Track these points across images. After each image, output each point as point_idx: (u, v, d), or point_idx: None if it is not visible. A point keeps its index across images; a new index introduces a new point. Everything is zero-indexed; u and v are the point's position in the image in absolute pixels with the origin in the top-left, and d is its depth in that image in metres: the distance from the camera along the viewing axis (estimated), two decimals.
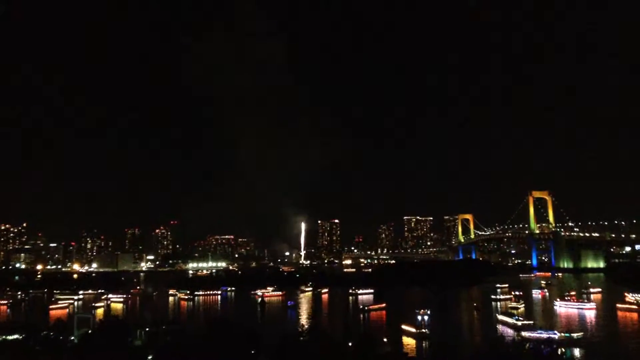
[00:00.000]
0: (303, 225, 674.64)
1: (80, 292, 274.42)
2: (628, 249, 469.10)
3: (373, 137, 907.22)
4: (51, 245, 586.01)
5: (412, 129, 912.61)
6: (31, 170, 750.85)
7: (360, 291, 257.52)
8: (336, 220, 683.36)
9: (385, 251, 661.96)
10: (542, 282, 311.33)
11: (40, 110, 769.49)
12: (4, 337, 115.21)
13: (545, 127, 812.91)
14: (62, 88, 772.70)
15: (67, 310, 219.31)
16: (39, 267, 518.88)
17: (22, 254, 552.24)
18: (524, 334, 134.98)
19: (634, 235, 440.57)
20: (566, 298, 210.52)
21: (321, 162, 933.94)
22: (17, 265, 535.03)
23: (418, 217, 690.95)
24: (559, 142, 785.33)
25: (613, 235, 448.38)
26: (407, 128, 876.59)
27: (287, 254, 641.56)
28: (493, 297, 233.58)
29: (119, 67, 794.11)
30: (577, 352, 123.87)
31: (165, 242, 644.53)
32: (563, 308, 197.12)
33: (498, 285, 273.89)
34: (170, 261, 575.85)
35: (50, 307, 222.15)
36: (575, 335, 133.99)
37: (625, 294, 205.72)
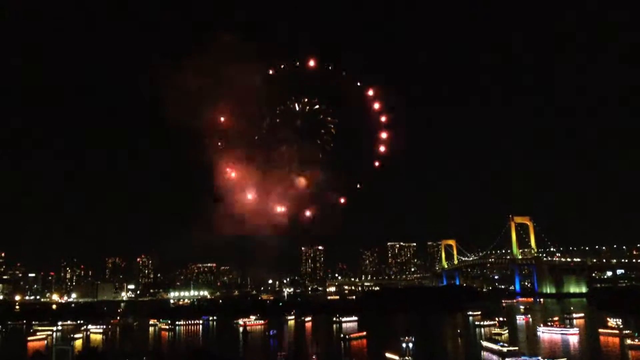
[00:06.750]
0: (286, 252, 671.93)
1: (59, 322, 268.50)
2: (609, 273, 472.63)
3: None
4: (30, 275, 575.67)
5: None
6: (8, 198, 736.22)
7: (344, 319, 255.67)
8: (320, 247, 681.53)
9: (369, 278, 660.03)
10: (522, 307, 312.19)
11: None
12: None
13: (523, 148, 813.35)
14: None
15: (46, 341, 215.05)
16: (17, 297, 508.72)
17: (0, 285, 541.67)
18: None
19: (614, 260, 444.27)
20: (549, 323, 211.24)
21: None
22: None
23: (401, 243, 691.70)
24: (538, 165, 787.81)
25: (594, 260, 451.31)
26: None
27: (270, 281, 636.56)
28: (477, 323, 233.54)
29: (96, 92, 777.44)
30: None
31: (146, 271, 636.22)
32: (546, 333, 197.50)
33: (470, 312, 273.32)
34: (152, 290, 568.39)
35: (29, 338, 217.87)
36: None
37: (607, 318, 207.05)
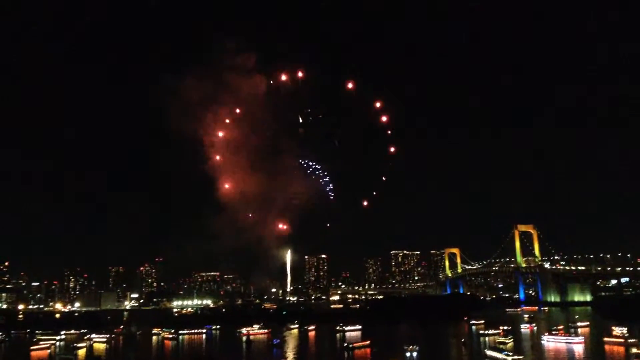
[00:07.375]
0: (289, 261, 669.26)
1: (62, 332, 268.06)
2: (614, 282, 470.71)
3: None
4: (33, 284, 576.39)
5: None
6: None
7: (348, 328, 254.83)
8: (324, 256, 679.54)
9: (372, 286, 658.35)
10: (526, 316, 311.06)
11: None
12: None
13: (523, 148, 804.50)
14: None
15: (49, 351, 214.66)
16: (21, 306, 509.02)
17: (4, 294, 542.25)
18: None
19: (619, 269, 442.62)
20: (554, 332, 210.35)
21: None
22: None
23: (405, 252, 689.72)
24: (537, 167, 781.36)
25: (599, 269, 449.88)
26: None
27: (273, 290, 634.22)
28: (481, 332, 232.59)
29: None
30: None
31: (149, 280, 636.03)
32: (551, 342, 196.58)
33: (474, 321, 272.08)
34: (155, 299, 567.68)
35: (32, 348, 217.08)
36: None
37: (613, 327, 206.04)
